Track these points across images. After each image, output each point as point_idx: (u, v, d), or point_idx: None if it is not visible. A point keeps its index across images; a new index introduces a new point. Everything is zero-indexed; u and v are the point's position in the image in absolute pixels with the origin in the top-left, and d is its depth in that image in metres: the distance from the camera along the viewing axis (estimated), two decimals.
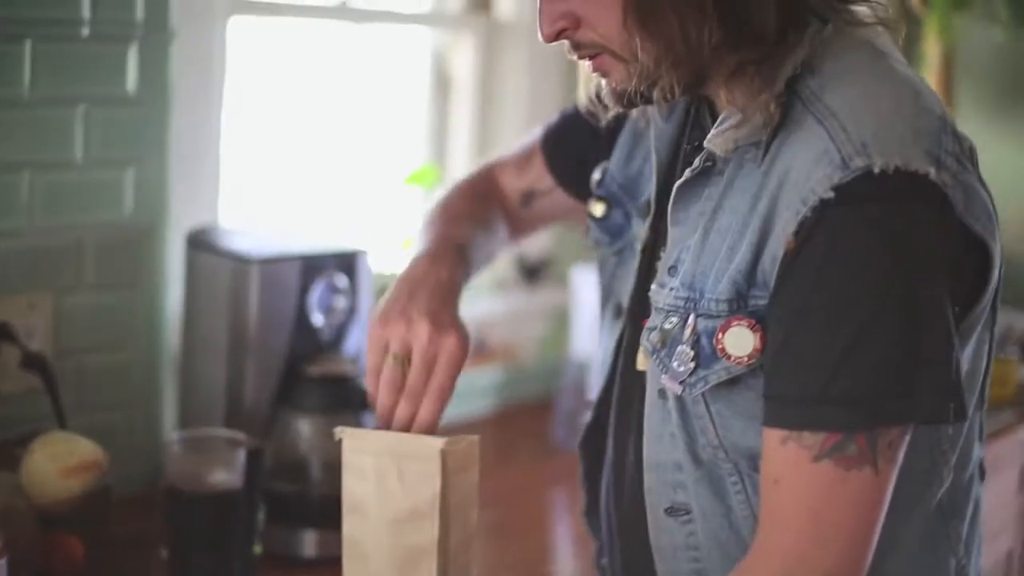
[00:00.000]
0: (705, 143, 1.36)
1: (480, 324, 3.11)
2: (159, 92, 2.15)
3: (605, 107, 1.49)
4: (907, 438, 1.29)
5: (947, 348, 1.27)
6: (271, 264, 2.06)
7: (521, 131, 3.27)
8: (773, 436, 1.30)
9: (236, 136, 2.57)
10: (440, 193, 1.81)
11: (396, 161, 3.09)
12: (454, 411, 1.59)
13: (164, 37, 2.14)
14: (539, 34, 1.37)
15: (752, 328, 1.32)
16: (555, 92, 3.28)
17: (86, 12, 2.03)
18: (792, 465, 1.28)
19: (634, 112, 1.57)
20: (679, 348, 1.37)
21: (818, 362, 1.26)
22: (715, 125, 1.36)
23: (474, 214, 1.73)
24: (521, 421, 2.91)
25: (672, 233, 1.43)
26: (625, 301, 1.58)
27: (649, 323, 1.42)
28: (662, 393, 1.42)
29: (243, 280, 2.05)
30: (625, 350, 1.56)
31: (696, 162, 1.39)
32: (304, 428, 2.05)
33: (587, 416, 1.69)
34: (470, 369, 2.97)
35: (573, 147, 1.73)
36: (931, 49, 3.40)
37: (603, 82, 1.41)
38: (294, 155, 2.86)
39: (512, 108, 3.31)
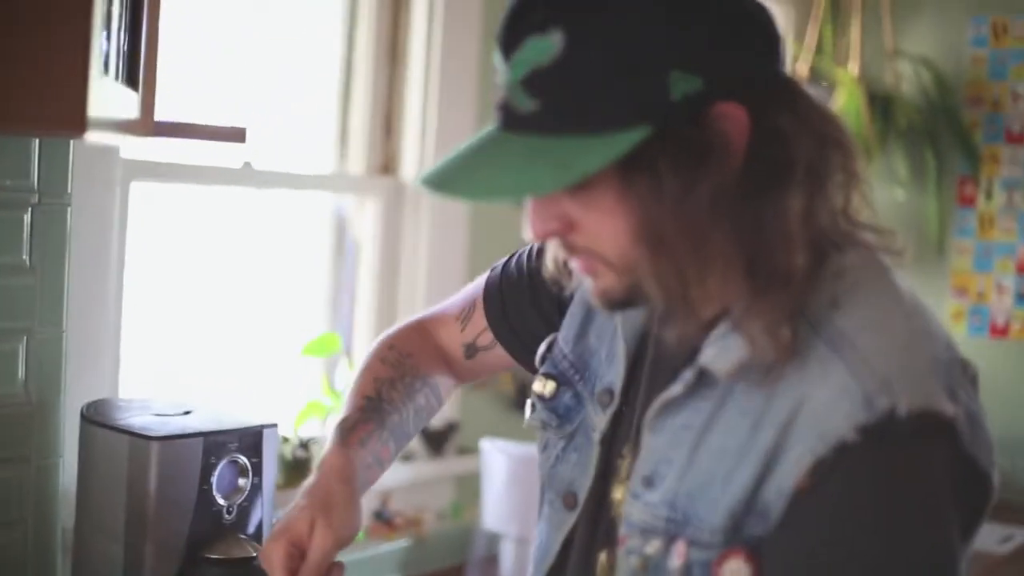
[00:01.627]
0: (702, 361, 1.29)
1: (384, 493, 3.04)
2: (55, 260, 2.07)
3: (570, 277, 1.44)
4: None
5: None
6: (171, 442, 1.97)
7: (425, 293, 3.23)
8: None
9: (137, 303, 2.50)
10: (374, 349, 1.74)
11: (297, 328, 3.03)
12: None
13: (62, 204, 2.06)
14: (528, 231, 1.29)
15: (747, 559, 1.25)
16: (460, 254, 3.25)
17: None
18: None
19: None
20: None
21: None
22: (711, 340, 1.29)
23: (391, 379, 1.69)
24: None
25: (648, 440, 1.34)
26: (581, 494, 1.46)
27: (627, 544, 1.33)
28: None
29: (141, 458, 1.95)
30: (579, 549, 1.46)
31: (689, 376, 1.31)
32: None
33: None
34: (374, 541, 2.90)
35: (516, 309, 1.64)
36: None
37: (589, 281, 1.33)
38: (195, 322, 2.80)
39: (416, 270, 3.28)
